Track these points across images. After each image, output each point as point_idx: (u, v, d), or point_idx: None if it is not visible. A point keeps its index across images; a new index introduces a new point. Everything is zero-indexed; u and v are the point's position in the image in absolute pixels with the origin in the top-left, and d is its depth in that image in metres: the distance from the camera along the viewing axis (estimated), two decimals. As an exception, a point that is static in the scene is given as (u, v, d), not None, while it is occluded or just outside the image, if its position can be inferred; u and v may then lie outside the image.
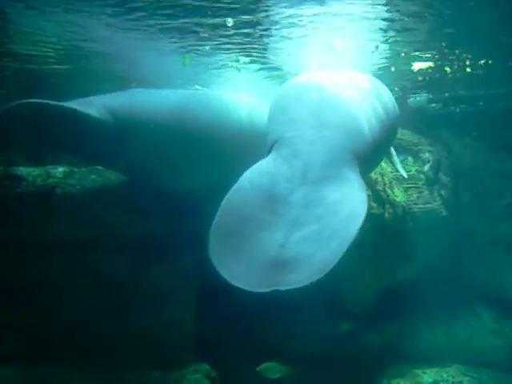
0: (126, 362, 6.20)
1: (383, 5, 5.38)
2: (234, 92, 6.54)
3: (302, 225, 3.86)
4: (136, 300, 6.25)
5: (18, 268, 6.00)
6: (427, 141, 8.20)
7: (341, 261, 3.65)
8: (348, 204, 3.95)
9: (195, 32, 5.94)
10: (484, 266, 8.14)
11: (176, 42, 6.29)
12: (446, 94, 8.77)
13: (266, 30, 5.94)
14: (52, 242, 6.03)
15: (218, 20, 5.61)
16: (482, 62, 7.52)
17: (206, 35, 6.03)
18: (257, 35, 6.09)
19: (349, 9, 5.46)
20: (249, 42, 6.36)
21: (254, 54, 6.85)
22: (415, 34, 6.25)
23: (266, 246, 3.81)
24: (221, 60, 7.07)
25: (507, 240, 8.09)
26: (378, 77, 5.91)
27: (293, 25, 5.81)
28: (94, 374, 6.10)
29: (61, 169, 6.29)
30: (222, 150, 6.00)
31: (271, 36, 6.16)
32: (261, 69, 7.52)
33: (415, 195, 7.55)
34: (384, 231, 6.71)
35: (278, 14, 5.49)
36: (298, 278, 3.62)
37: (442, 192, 7.87)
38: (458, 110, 8.76)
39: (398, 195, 7.05)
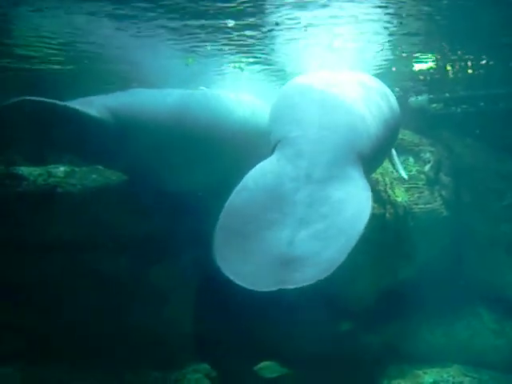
0: (125, 362, 6.20)
1: (385, 7, 5.38)
2: (237, 92, 6.53)
3: (307, 224, 3.85)
4: (136, 300, 6.24)
5: (18, 268, 5.99)
6: (428, 141, 8.19)
7: (345, 260, 3.65)
8: (353, 203, 3.95)
9: (197, 33, 5.94)
10: (485, 267, 8.13)
11: (178, 44, 6.30)
12: (447, 95, 8.76)
13: (269, 31, 5.95)
14: (52, 242, 6.02)
15: (219, 22, 5.62)
16: (483, 62, 7.52)
17: (208, 36, 6.03)
18: (260, 36, 6.11)
19: (351, 11, 5.45)
20: (252, 44, 6.39)
21: (258, 55, 6.86)
22: (416, 36, 6.26)
23: (272, 246, 3.79)
24: (223, 60, 7.08)
25: (508, 240, 8.08)
26: (379, 77, 5.90)
27: (295, 26, 5.82)
28: (93, 374, 6.10)
29: (62, 168, 6.28)
30: (222, 150, 5.99)
31: (274, 37, 6.17)
32: (263, 69, 7.53)
33: (416, 195, 7.54)
34: (385, 231, 6.70)
35: (280, 15, 5.50)
36: (304, 277, 3.61)
37: (443, 192, 7.86)
38: (459, 110, 8.73)
39: (399, 195, 7.04)
